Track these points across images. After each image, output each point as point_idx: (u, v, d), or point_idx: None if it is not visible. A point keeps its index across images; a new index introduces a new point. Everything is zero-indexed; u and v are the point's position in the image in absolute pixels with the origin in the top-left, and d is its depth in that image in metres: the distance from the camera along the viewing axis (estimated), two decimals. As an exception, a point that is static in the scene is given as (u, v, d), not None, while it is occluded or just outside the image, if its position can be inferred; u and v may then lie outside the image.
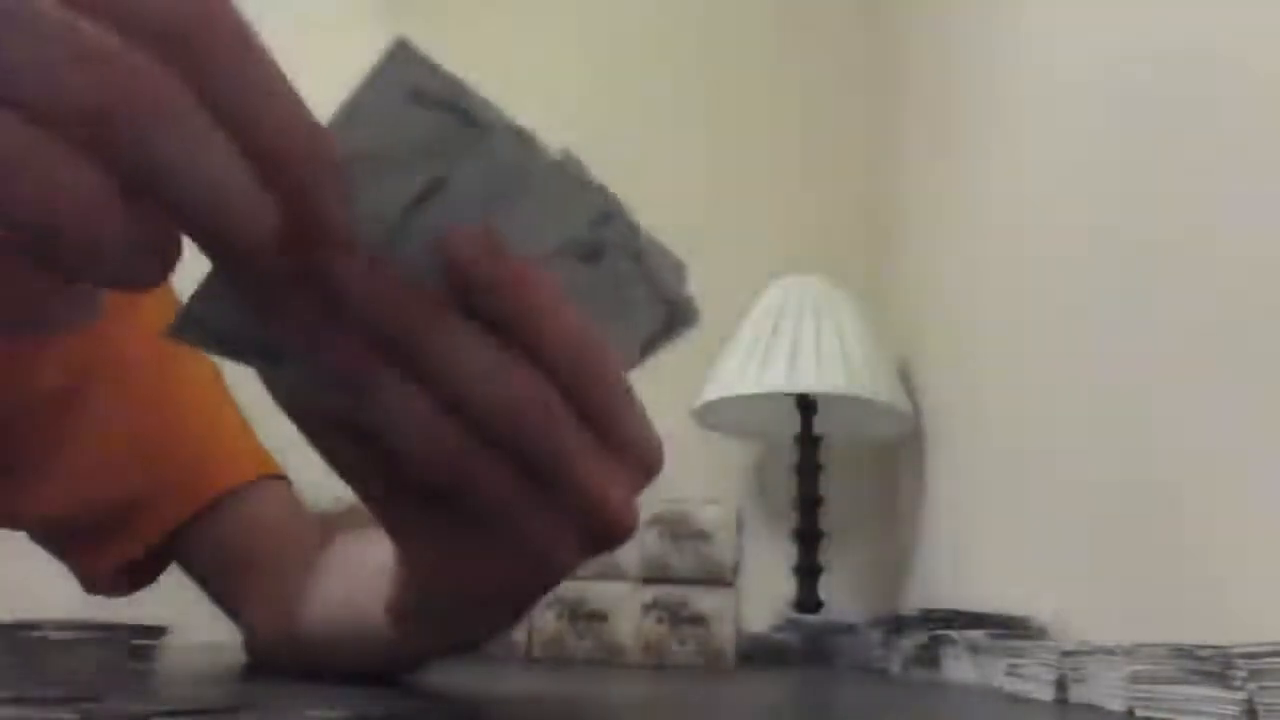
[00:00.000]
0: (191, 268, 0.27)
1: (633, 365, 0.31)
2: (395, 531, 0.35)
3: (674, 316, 0.31)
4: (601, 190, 0.28)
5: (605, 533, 0.29)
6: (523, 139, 0.27)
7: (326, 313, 0.26)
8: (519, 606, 0.36)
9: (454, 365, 0.27)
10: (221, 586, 0.61)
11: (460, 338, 0.27)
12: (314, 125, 0.24)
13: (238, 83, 0.23)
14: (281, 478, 0.63)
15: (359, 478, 0.34)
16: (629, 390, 0.30)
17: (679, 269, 0.30)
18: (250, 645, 0.60)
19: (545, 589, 0.34)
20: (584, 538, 0.30)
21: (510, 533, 0.29)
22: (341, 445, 0.32)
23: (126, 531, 0.60)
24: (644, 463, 0.30)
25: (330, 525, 0.59)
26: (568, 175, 0.28)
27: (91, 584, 0.62)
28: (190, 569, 0.62)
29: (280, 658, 0.55)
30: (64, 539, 0.61)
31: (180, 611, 0.63)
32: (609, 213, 0.28)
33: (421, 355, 0.27)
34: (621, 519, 0.29)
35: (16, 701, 0.26)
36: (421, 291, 0.27)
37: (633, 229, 0.29)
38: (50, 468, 0.59)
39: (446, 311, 0.27)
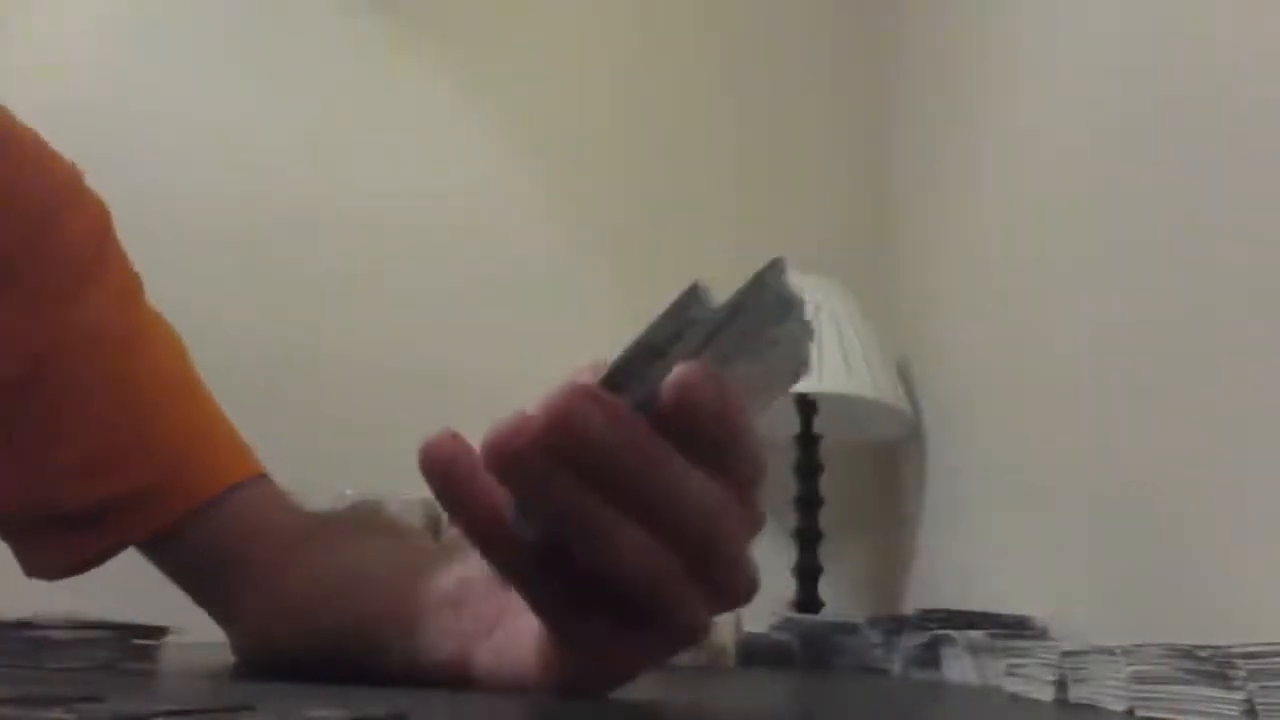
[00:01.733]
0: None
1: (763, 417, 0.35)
2: (559, 631, 0.36)
3: (796, 377, 0.34)
4: (793, 300, 0.31)
5: (745, 599, 0.34)
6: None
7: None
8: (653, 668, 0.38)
9: (679, 499, 0.30)
10: (202, 588, 0.60)
11: (681, 472, 0.30)
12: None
13: None
14: (261, 475, 0.61)
15: (538, 590, 0.35)
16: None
17: (810, 332, 0.33)
18: (238, 644, 0.60)
19: (679, 653, 0.36)
20: (722, 606, 0.34)
21: (675, 621, 0.33)
22: (530, 564, 0.34)
23: (93, 532, 0.57)
24: (759, 527, 0.34)
25: (327, 523, 0.58)
26: (775, 295, 0.31)
27: (34, 568, 0.59)
28: (167, 568, 0.60)
29: (270, 657, 0.55)
30: (21, 531, 0.59)
31: (180, 611, 0.62)
32: (797, 313, 0.32)
33: (653, 495, 0.30)
34: (756, 584, 0.34)
35: (16, 701, 0.26)
36: (653, 434, 0.30)
37: (805, 323, 0.32)
38: (5, 459, 0.56)
39: (671, 449, 0.30)
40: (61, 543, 0.58)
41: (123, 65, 1.69)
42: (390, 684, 0.43)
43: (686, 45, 1.82)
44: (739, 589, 0.33)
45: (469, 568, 0.44)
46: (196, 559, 0.59)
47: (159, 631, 0.54)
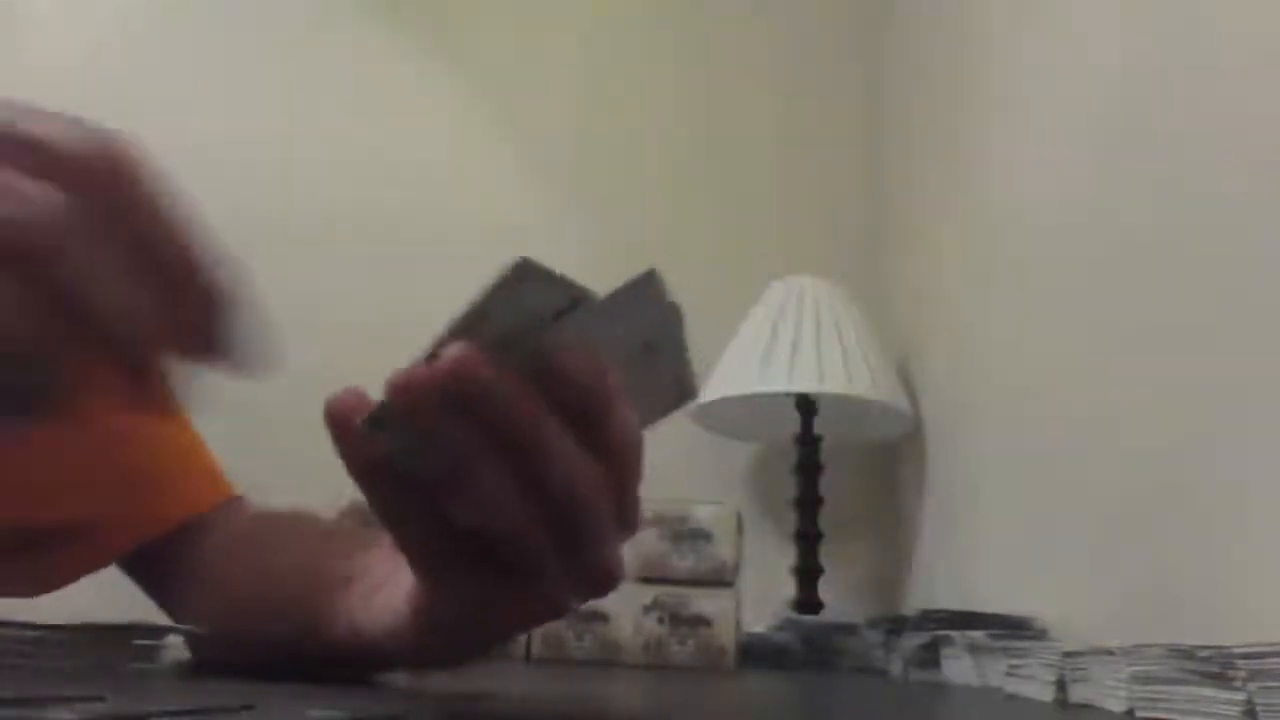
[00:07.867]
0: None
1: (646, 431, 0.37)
2: (427, 573, 0.39)
3: (682, 396, 0.37)
4: (673, 306, 0.34)
5: (606, 586, 0.36)
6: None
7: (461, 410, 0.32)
8: (516, 634, 0.42)
9: (546, 453, 0.33)
10: (155, 592, 0.62)
11: (553, 431, 0.33)
12: (211, 273, 0.32)
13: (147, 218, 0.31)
14: (225, 501, 0.63)
15: (407, 527, 0.37)
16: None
17: (689, 361, 0.36)
18: (196, 644, 0.60)
19: (541, 624, 0.40)
20: (586, 588, 0.36)
21: (536, 584, 0.35)
22: (404, 502, 0.36)
23: (62, 555, 0.58)
24: (633, 526, 0.36)
25: (258, 519, 0.60)
26: (650, 300, 0.34)
27: None
28: (135, 579, 0.62)
29: (214, 653, 0.56)
30: None
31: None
32: (673, 323, 0.35)
33: (525, 444, 0.32)
34: (620, 575, 0.36)
35: (17, 702, 0.26)
36: (532, 393, 0.32)
37: (682, 335, 0.35)
38: None
39: (545, 409, 0.33)
40: (27, 564, 0.58)
41: (122, 76, 1.69)
42: (311, 664, 0.45)
43: (688, 47, 1.82)
44: (597, 574, 0.35)
45: (371, 552, 0.47)
46: (150, 575, 0.62)
47: (159, 631, 0.54)
